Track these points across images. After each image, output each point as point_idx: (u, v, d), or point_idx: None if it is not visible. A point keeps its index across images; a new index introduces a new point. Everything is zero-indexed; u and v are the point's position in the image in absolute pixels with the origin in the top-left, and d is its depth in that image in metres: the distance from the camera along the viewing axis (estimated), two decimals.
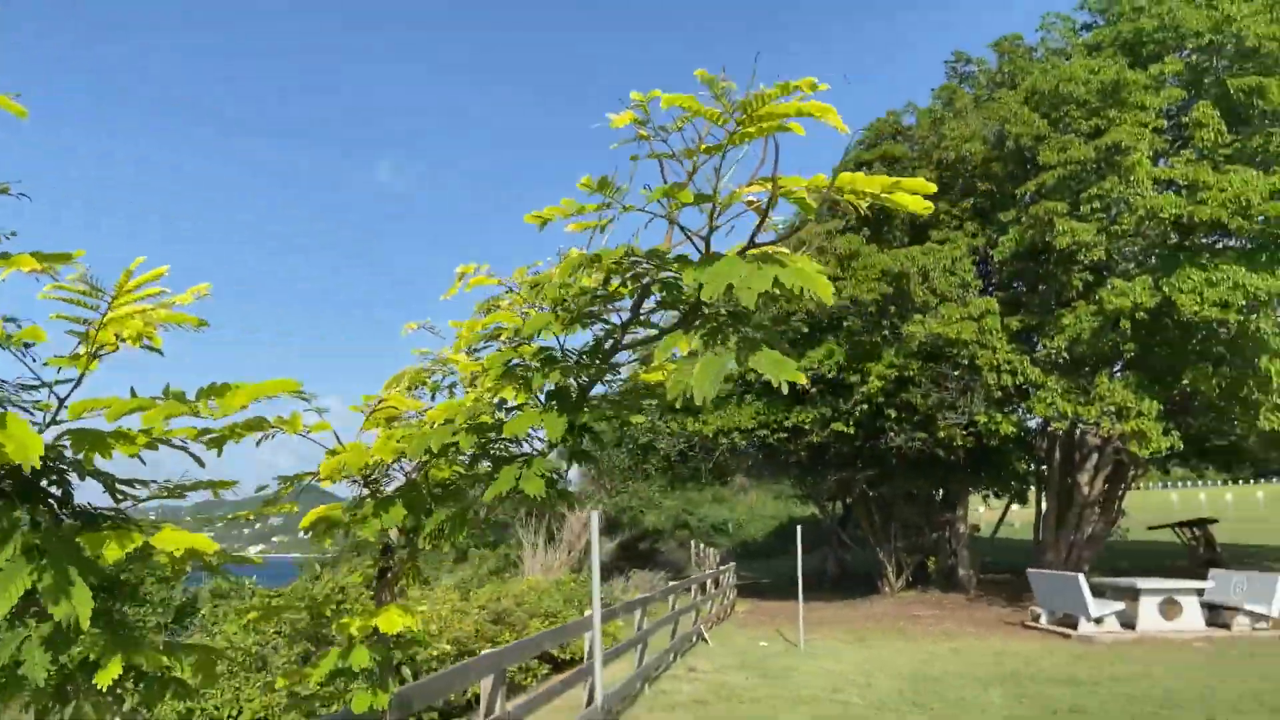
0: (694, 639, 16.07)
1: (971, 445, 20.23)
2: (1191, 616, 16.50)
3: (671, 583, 19.80)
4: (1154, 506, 50.93)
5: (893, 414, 19.52)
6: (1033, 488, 25.49)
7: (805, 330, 20.44)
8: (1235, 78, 16.84)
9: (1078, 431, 17.54)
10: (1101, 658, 13.64)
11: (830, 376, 20.14)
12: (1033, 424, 21.70)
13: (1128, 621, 16.61)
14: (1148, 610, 16.53)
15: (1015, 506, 28.28)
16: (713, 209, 2.02)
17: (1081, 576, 16.70)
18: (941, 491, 25.36)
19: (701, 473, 26.70)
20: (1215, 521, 28.54)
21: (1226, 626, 16.36)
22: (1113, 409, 16.51)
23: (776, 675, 12.53)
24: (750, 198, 2.04)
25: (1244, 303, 14.29)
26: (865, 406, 19.60)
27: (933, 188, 2.07)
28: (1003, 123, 18.57)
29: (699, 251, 2.08)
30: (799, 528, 17.81)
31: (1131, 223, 15.93)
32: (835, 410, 20.24)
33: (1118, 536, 30.55)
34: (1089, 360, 18.27)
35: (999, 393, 18.36)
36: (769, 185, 2.02)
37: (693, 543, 37.71)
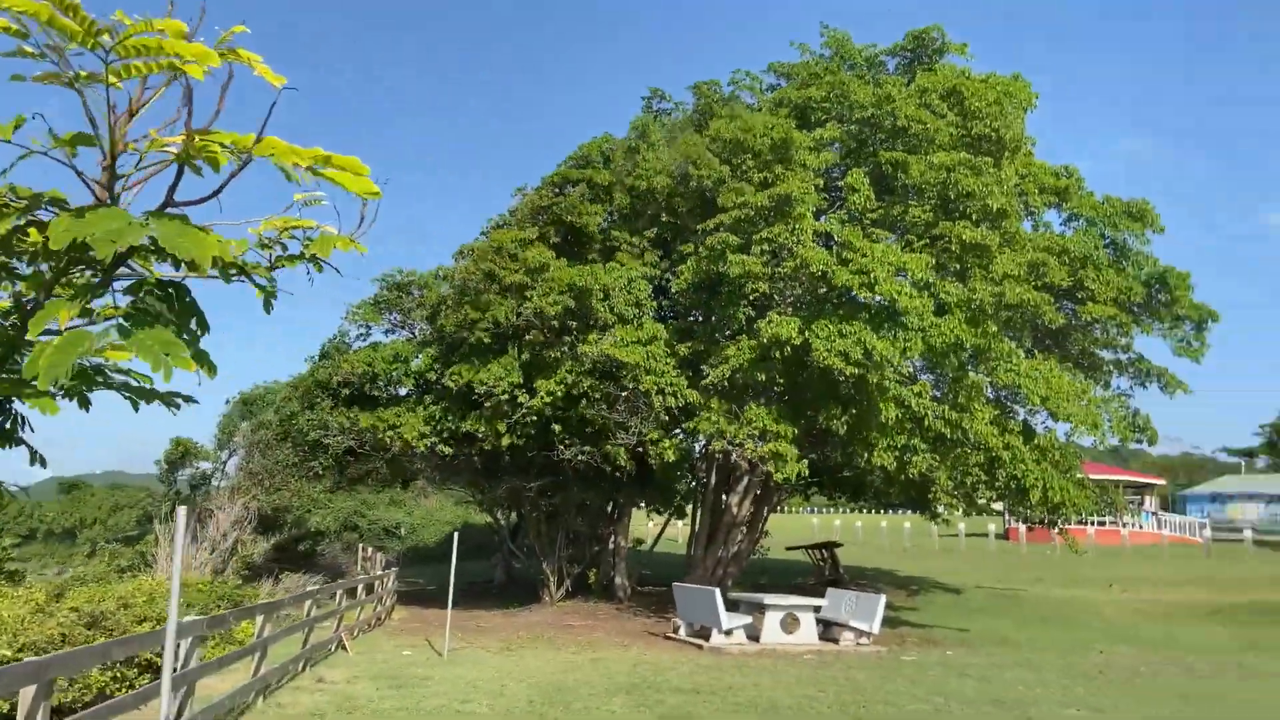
0: (333, 647, 15.28)
1: (637, 463, 21.08)
2: (808, 631, 18.15)
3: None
4: (798, 528, 56.32)
5: (558, 429, 19.88)
6: (691, 505, 27.07)
7: (488, 341, 20.31)
8: (886, 151, 19.04)
9: (732, 455, 18.84)
10: (725, 668, 14.60)
11: (505, 397, 20.17)
12: (696, 447, 23.03)
13: (754, 634, 17.99)
14: (771, 624, 17.98)
15: (678, 522, 29.92)
16: (108, 154, 1.73)
17: (717, 591, 17.88)
18: (611, 505, 26.22)
19: (376, 474, 25.69)
20: (840, 545, 31.93)
21: (836, 641, 18.17)
22: (757, 432, 17.87)
23: (410, 685, 12.16)
24: (172, 149, 1.78)
25: (861, 357, 16.05)
26: (535, 419, 19.80)
27: (366, 169, 1.91)
28: (688, 161, 19.66)
29: (99, 201, 1.78)
30: (455, 535, 17.56)
31: (790, 268, 17.43)
32: (507, 421, 20.27)
33: (760, 554, 33.21)
34: (746, 390, 19.71)
35: (665, 415, 19.28)
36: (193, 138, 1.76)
37: (360, 546, 36.28)
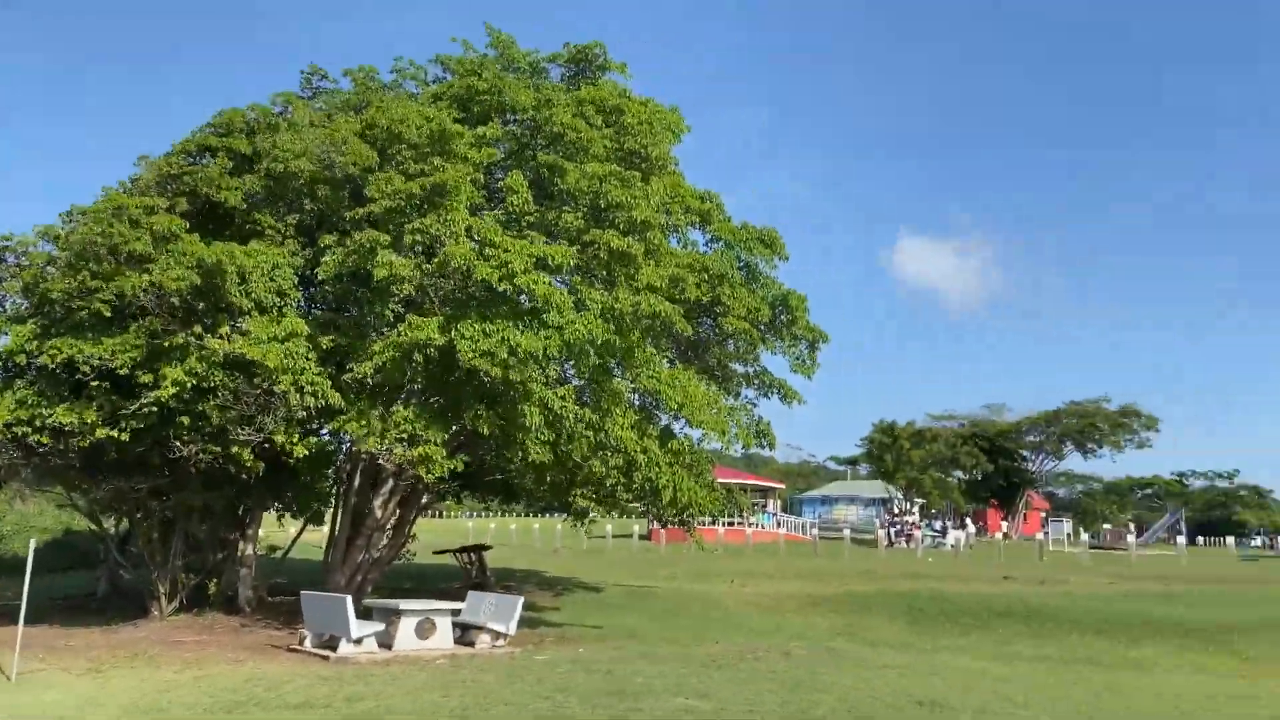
0: None
1: (268, 463, 19.49)
2: (444, 635, 17.76)
3: None
4: (453, 532, 55.81)
5: (186, 421, 17.87)
6: (330, 509, 25.62)
7: (108, 315, 17.75)
8: (545, 155, 19.26)
9: (379, 457, 17.99)
10: (348, 679, 13.80)
11: (123, 373, 17.75)
12: (337, 446, 21.81)
13: (387, 642, 17.27)
14: (406, 630, 17.37)
15: (314, 527, 28.19)
16: None
17: (348, 598, 16.95)
18: (240, 509, 24.07)
19: None
20: (490, 548, 31.97)
21: (472, 644, 17.95)
22: (405, 436, 17.23)
23: None
24: None
25: (507, 355, 16.06)
26: (155, 410, 17.61)
27: None
28: (333, 147, 18.61)
29: None
30: (33, 544, 15.11)
31: (438, 263, 17.01)
32: (116, 412, 17.84)
33: (406, 559, 32.33)
34: (394, 390, 18.96)
35: (302, 412, 18.00)
36: None
37: None
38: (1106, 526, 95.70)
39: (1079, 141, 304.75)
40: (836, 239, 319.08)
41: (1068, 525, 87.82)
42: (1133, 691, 15.49)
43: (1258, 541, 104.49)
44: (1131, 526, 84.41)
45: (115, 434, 17.89)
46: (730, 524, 56.35)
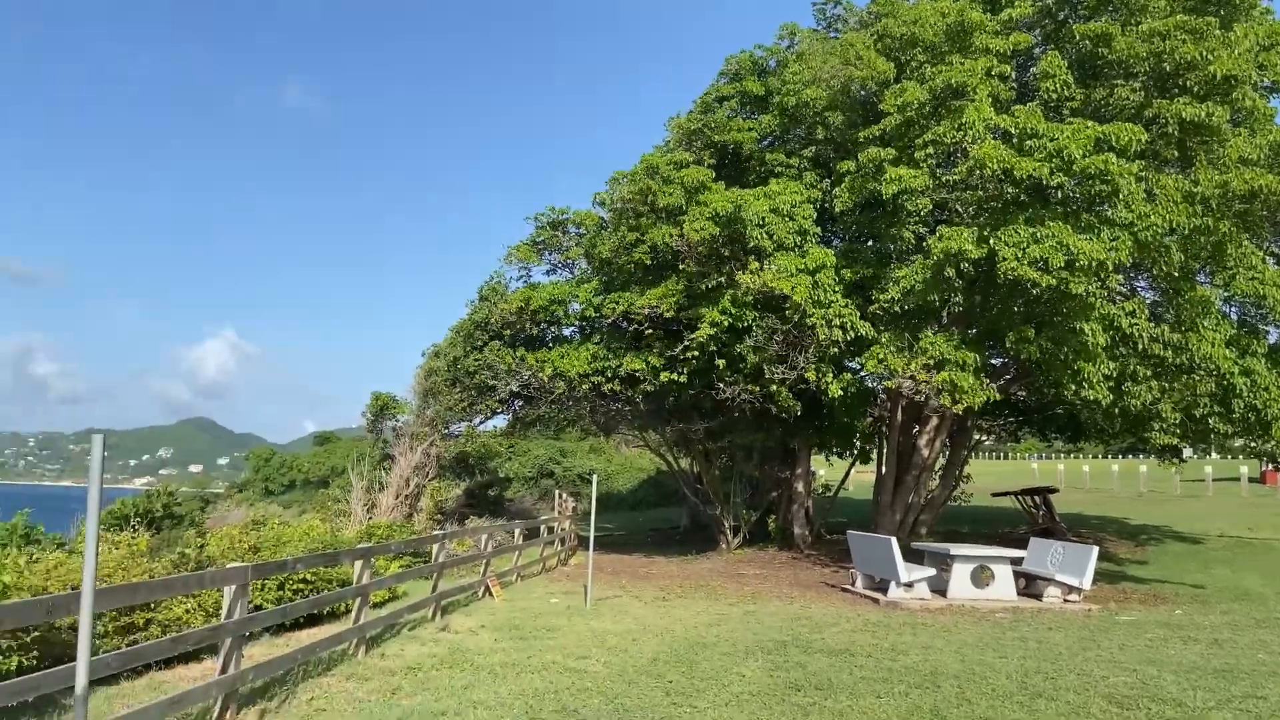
0: (480, 593, 14.88)
1: (806, 402, 19.44)
2: (1004, 585, 16.04)
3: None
4: (1016, 474, 52.09)
5: (724, 363, 18.50)
6: (876, 448, 25.04)
7: (648, 263, 19.17)
8: (1084, 26, 16.02)
9: (903, 388, 16.80)
10: (894, 626, 12.93)
11: (669, 317, 19.00)
12: (869, 383, 21.07)
13: (940, 588, 16.09)
14: (960, 577, 16.00)
15: (862, 467, 27.90)
16: None
17: (893, 540, 16.05)
18: (787, 448, 24.68)
19: (545, 420, 25.50)
20: (1055, 491, 28.72)
21: (1038, 597, 15.99)
22: (931, 362, 15.76)
23: (533, 637, 11.39)
24: None
25: (1063, 264, 13.49)
26: (697, 355, 18.52)
27: None
28: (846, 64, 17.43)
29: None
30: (596, 477, 16.69)
31: (963, 172, 15.04)
32: (668, 358, 19.13)
33: (960, 502, 30.59)
34: (922, 316, 17.54)
35: (833, 349, 17.49)
36: None
37: (557, 492, 36.71)
38: None
39: None
40: None
41: None
42: None
43: None
44: None
45: (675, 377, 19.22)
46: None
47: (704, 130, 20.10)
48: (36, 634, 7.29)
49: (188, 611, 9.50)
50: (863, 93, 17.85)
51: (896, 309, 16.50)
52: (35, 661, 7.18)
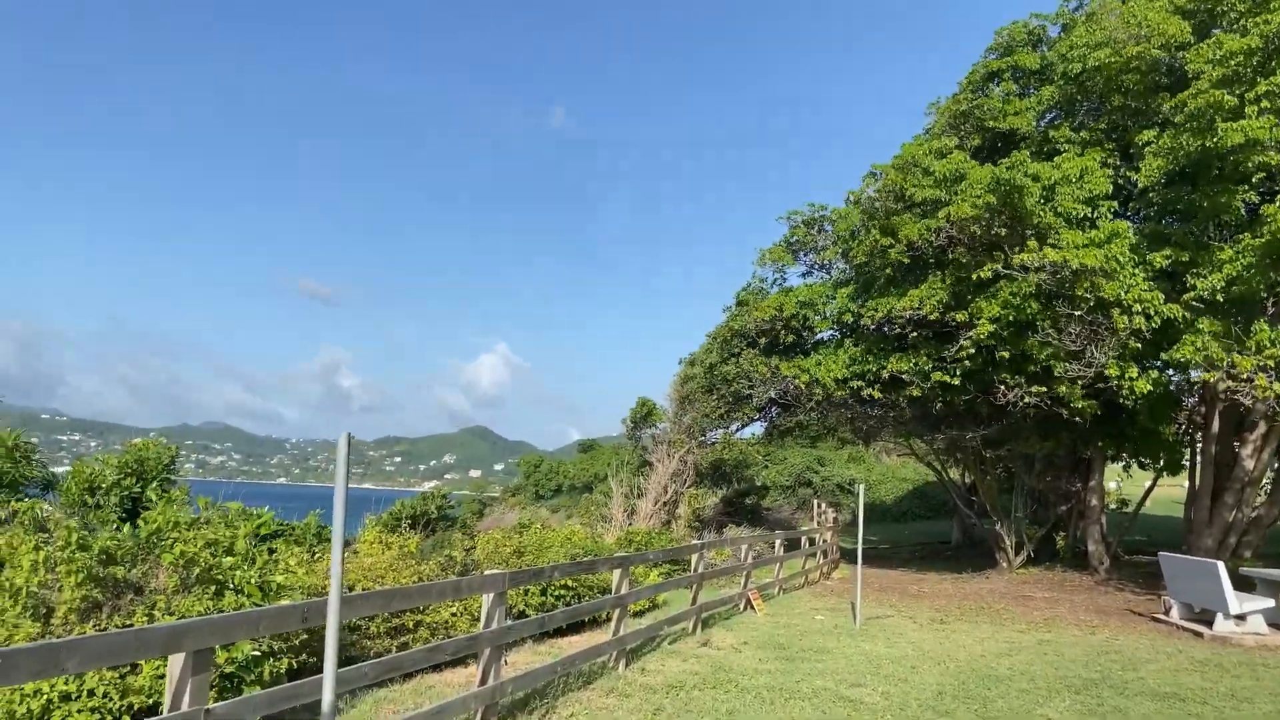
0: (742, 606, 14.26)
1: (1103, 405, 17.24)
2: None
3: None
4: None
5: (1005, 356, 16.70)
6: (1188, 458, 21.87)
7: (905, 262, 17.79)
8: None
9: (1223, 390, 14.30)
10: (1230, 666, 10.92)
11: (933, 319, 17.53)
12: (1179, 382, 18.35)
13: (1278, 621, 13.59)
14: None
15: (1168, 479, 24.55)
16: None
17: (1221, 565, 13.69)
18: (1079, 458, 22.15)
19: (801, 427, 24.52)
20: None
21: None
22: (1271, 362, 13.27)
23: (800, 659, 10.57)
24: None
25: None
26: (973, 354, 16.89)
27: None
28: (1141, 24, 15.11)
29: None
30: (862, 487, 15.52)
31: None
32: (938, 358, 17.61)
33: None
34: (1251, 305, 14.93)
35: (1132, 339, 15.31)
36: None
37: (815, 502, 35.57)
38: None
39: None
40: None
41: None
42: None
43: None
44: None
45: (946, 378, 17.69)
46: None
47: (973, 113, 18.39)
48: (304, 635, 7.47)
49: (454, 615, 9.60)
50: (1160, 59, 15.50)
51: (1218, 297, 14.09)
52: (306, 662, 7.34)
